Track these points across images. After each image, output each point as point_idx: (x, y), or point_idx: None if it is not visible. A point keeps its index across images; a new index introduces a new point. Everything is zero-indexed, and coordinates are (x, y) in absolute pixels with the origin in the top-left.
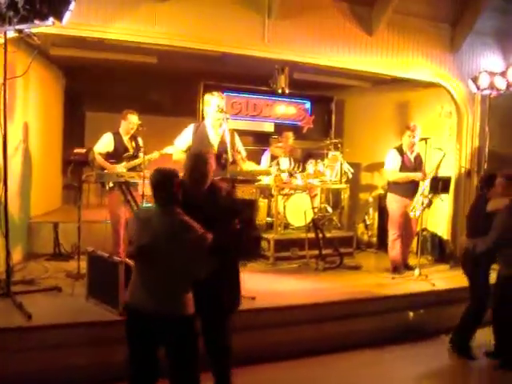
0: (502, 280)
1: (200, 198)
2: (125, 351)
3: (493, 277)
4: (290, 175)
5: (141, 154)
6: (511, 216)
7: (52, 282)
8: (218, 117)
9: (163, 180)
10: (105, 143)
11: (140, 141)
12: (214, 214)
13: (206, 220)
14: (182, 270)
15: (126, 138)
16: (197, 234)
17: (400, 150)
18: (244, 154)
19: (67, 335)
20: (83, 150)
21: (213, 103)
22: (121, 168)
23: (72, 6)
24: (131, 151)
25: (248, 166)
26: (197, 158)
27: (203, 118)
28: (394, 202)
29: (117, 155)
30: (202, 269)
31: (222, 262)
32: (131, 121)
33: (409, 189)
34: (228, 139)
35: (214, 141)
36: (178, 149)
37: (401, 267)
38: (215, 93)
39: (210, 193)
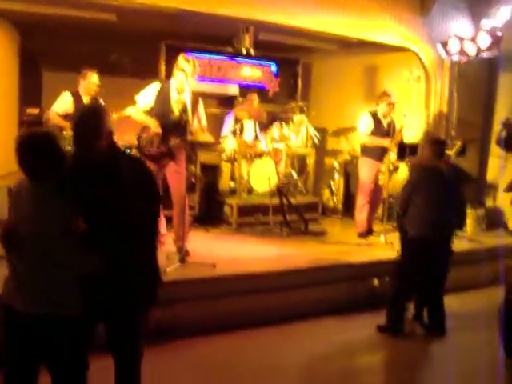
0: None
1: (92, 167)
2: None
3: None
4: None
5: None
6: (410, 176)
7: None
8: (181, 81)
9: (30, 145)
10: (63, 103)
11: (101, 102)
12: (110, 188)
13: (100, 196)
14: (55, 261)
15: (85, 99)
16: (67, 218)
17: (374, 114)
18: (204, 123)
19: None
20: (37, 110)
21: (185, 69)
22: None
23: None
24: None
25: (206, 138)
26: (83, 111)
27: (166, 78)
28: (366, 166)
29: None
30: (84, 260)
31: (123, 250)
32: (91, 80)
33: (381, 153)
34: (189, 102)
35: (176, 105)
36: (138, 106)
37: (366, 232)
38: (190, 59)
39: (108, 161)
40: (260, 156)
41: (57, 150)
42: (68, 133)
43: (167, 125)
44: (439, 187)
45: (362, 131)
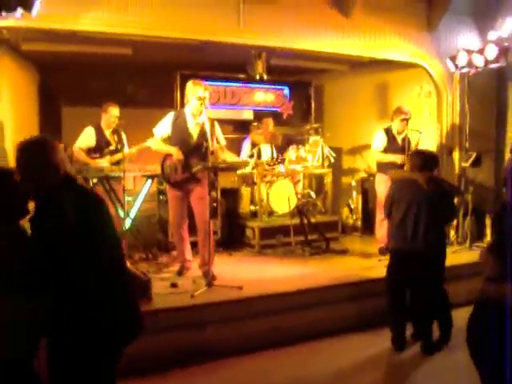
0: None
1: (38, 204)
2: None
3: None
4: (272, 164)
5: (125, 149)
6: (389, 189)
7: None
8: (198, 106)
9: None
10: (86, 137)
11: (123, 135)
12: (52, 225)
13: (44, 234)
14: None
15: (107, 132)
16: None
17: (388, 131)
18: (223, 143)
19: None
20: (61, 145)
21: (198, 94)
22: (104, 163)
23: None
24: (113, 145)
25: (227, 156)
26: (25, 145)
27: (182, 107)
28: (382, 182)
29: (99, 150)
30: (23, 307)
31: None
32: (112, 114)
33: (397, 169)
34: (208, 128)
35: (193, 130)
36: (156, 137)
37: (387, 248)
38: (202, 84)
39: (50, 197)
40: (278, 178)
41: (9, 190)
42: (92, 167)
43: (188, 150)
44: (418, 200)
45: (374, 148)
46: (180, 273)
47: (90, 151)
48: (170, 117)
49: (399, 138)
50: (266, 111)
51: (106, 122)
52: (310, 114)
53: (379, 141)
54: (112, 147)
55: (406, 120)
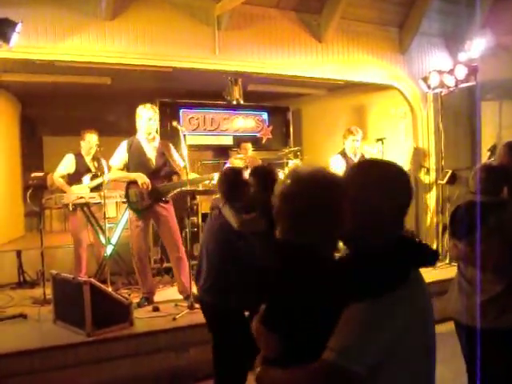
0: None
1: None
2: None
3: None
4: None
5: (104, 174)
6: None
7: (18, 310)
8: (148, 128)
9: None
10: (66, 165)
11: (103, 162)
12: None
13: None
14: None
15: (88, 159)
16: None
17: (343, 154)
18: (182, 164)
19: (35, 361)
20: (41, 174)
21: (144, 115)
22: (83, 188)
23: (19, 28)
24: (93, 171)
25: (191, 176)
26: None
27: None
28: None
29: (79, 176)
30: None
31: None
32: (90, 140)
33: None
34: (185, 153)
35: (151, 154)
36: (113, 167)
37: None
38: (147, 104)
39: None
40: None
41: None
42: (72, 193)
43: (149, 174)
44: None
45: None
46: (147, 299)
47: (69, 177)
48: (123, 145)
49: (355, 160)
50: (246, 136)
51: (85, 148)
52: (289, 137)
53: (338, 165)
54: (91, 174)
55: (357, 140)
